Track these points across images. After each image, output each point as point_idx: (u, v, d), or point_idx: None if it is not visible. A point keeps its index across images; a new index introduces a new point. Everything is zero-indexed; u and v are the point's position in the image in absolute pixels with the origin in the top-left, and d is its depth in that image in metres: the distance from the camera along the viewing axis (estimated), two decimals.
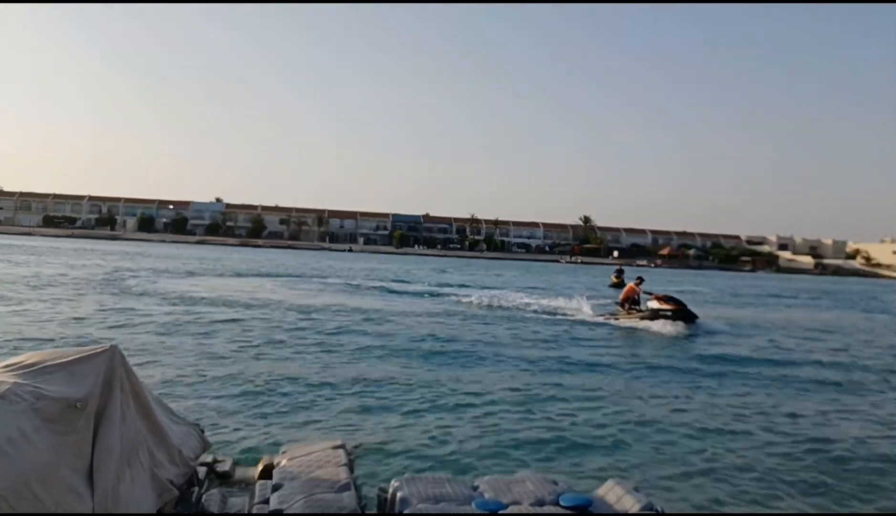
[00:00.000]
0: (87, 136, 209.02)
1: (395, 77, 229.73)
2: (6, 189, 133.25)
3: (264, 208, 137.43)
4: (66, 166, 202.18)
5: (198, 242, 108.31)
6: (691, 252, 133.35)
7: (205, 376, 12.31)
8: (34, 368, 3.93)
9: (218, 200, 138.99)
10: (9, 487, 3.27)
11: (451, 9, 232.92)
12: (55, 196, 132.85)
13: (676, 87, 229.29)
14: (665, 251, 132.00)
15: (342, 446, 5.48)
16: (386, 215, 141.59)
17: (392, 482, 4.70)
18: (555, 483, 4.73)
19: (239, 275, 43.25)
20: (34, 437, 3.50)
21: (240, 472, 5.72)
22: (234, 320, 20.39)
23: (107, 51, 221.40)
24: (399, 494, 4.42)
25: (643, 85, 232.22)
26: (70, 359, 4.04)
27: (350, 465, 5.10)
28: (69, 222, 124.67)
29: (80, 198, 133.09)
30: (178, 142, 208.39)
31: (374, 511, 4.79)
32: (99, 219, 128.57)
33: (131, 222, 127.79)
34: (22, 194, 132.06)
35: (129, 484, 3.92)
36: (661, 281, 48.78)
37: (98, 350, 4.15)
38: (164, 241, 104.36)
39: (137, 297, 25.84)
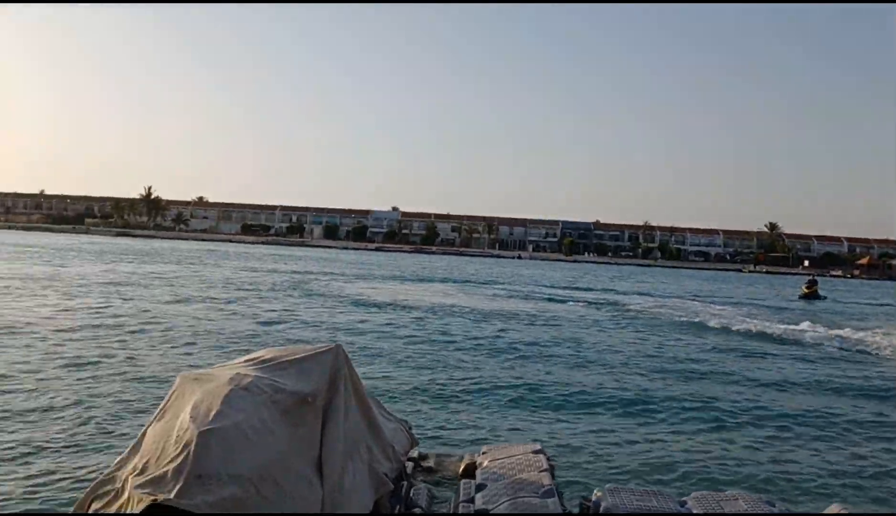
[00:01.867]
0: (277, 152, 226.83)
1: (570, 86, 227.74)
2: (211, 200, 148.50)
3: (437, 216, 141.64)
4: (259, 180, 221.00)
5: (376, 249, 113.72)
6: (895, 262, 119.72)
7: (398, 374, 12.86)
8: (270, 363, 4.21)
9: (395, 209, 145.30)
10: (255, 472, 3.51)
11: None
12: (252, 206, 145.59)
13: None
14: (864, 261, 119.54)
15: (542, 451, 5.52)
16: (555, 222, 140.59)
17: (595, 491, 4.72)
18: (770, 504, 4.49)
19: (420, 279, 44.90)
20: (273, 427, 3.75)
21: (443, 469, 5.92)
22: (415, 321, 21.26)
23: (288, 77, 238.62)
24: (603, 504, 4.40)
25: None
26: (300, 355, 4.29)
27: (551, 471, 5.12)
28: (264, 230, 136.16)
29: (274, 208, 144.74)
30: (356, 156, 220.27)
31: None
32: (289, 227, 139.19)
33: (317, 230, 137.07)
34: (223, 205, 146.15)
35: (352, 476, 4.09)
36: (862, 293, 44.07)
37: (324, 348, 4.41)
38: (346, 248, 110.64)
39: (325, 298, 27.69)
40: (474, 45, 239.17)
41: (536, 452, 5.47)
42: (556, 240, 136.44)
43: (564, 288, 44.21)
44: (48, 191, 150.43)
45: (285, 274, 42.46)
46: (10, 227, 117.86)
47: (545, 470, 5.02)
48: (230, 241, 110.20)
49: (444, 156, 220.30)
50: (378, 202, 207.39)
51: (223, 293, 27.38)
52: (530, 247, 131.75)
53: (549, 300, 33.92)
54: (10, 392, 9.92)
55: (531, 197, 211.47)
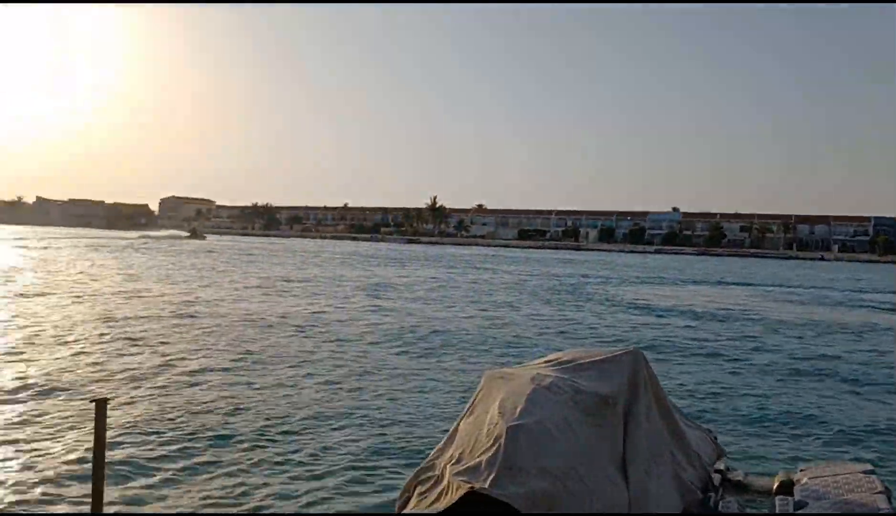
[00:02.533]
0: (547, 157, 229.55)
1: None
2: (489, 207, 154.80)
3: (723, 215, 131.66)
4: (534, 185, 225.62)
5: (655, 251, 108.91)
6: None
7: (698, 385, 11.28)
8: (570, 365, 4.32)
9: (675, 210, 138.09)
10: (561, 467, 3.61)
11: None
12: (528, 212, 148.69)
13: None
14: None
15: (873, 471, 5.07)
16: (866, 219, 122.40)
17: None
18: None
19: (721, 283, 41.37)
20: (575, 426, 3.83)
21: (755, 484, 5.59)
22: (718, 330, 18.85)
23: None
24: None
25: None
26: (599, 358, 4.37)
27: (888, 494, 4.61)
28: (539, 235, 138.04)
29: (549, 212, 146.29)
30: (629, 156, 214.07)
31: None
32: (564, 231, 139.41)
33: (593, 233, 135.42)
34: (501, 211, 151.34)
35: (657, 481, 4.01)
36: None
37: (622, 351, 4.43)
38: (622, 251, 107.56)
39: (608, 303, 26.19)
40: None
41: (867, 473, 4.97)
42: (867, 238, 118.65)
43: None
44: (350, 204, 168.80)
45: (561, 278, 41.69)
46: (322, 237, 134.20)
47: (880, 493, 4.54)
48: (507, 247, 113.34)
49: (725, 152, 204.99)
50: (655, 203, 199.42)
51: (513, 297, 27.30)
52: (836, 247, 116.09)
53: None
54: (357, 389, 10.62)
55: (836, 191, 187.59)
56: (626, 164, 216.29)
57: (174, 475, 6.92)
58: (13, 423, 8.49)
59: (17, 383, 10.61)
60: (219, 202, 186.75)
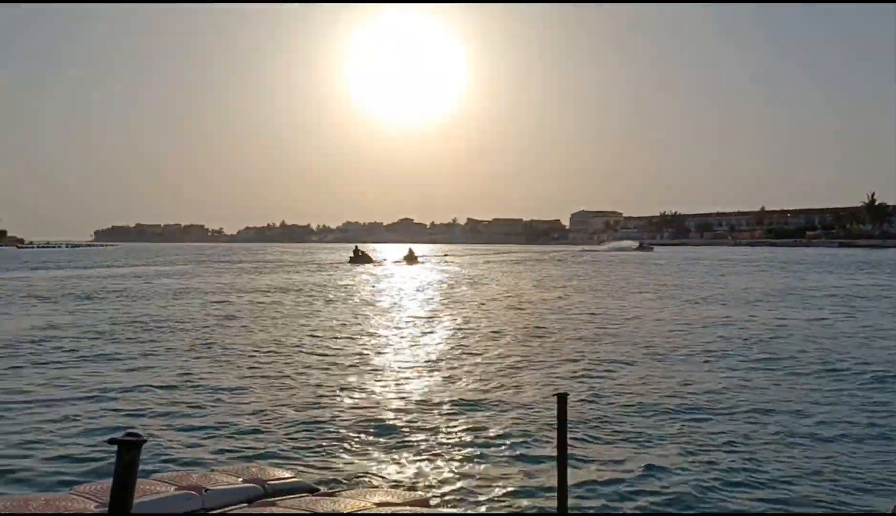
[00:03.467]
0: None
1: None
2: None
3: None
4: None
5: None
6: None
7: None
8: None
9: None
10: None
11: None
12: None
13: None
14: None
15: None
16: None
17: None
18: None
19: None
20: None
21: None
22: None
23: None
24: None
25: None
26: None
27: None
28: None
29: None
30: None
31: None
32: None
33: None
34: None
35: None
36: None
37: None
38: None
39: None
40: None
41: None
42: None
43: None
44: (767, 208, 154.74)
45: None
46: (736, 244, 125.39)
47: None
48: None
49: None
50: None
51: None
52: None
53: None
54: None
55: None
56: None
57: (634, 474, 6.34)
58: (484, 414, 8.45)
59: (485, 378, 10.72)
60: (626, 214, 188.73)
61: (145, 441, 1.48)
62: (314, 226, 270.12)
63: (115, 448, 1.45)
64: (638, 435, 7.46)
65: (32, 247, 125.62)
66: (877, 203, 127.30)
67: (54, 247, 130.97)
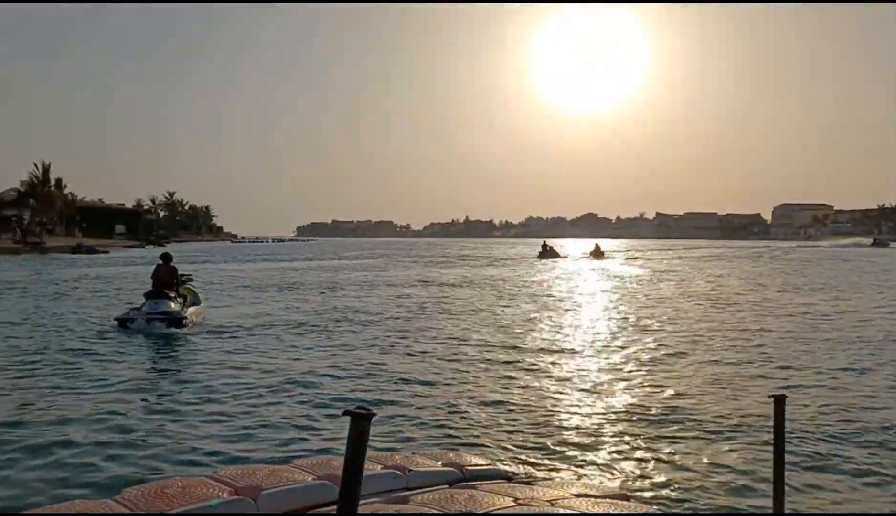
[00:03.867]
0: None
1: None
2: None
3: None
4: None
5: None
6: None
7: None
8: None
9: None
10: None
11: None
12: None
13: None
14: None
15: None
16: None
17: None
18: None
19: None
20: None
21: None
22: None
23: None
24: None
25: None
26: None
27: None
28: None
29: None
30: None
31: None
32: None
33: None
34: None
35: None
36: None
37: None
38: None
39: None
40: None
41: None
42: None
43: None
44: None
45: None
46: None
47: None
48: None
49: None
50: None
51: None
52: None
53: None
54: None
55: None
56: None
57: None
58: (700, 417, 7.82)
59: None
60: (837, 206, 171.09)
61: (374, 415, 1.52)
62: (496, 222, 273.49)
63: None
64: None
65: (244, 242, 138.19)
66: None
67: (262, 241, 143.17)
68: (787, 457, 5.83)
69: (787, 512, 3.33)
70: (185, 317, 13.84)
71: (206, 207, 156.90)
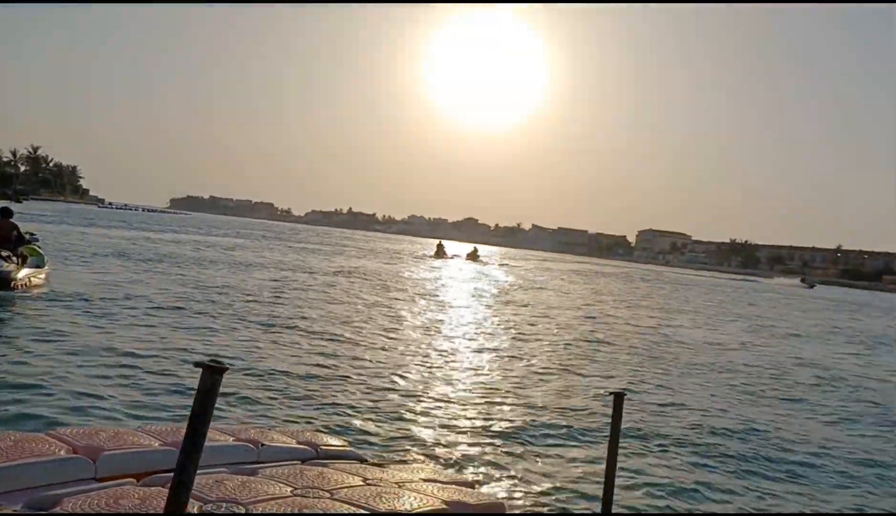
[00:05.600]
0: None
1: None
2: None
3: None
4: None
5: None
6: None
7: None
8: None
9: None
10: None
11: None
12: None
13: None
14: None
15: None
16: None
17: None
18: None
19: None
20: None
21: None
22: None
23: None
24: None
25: None
26: None
27: None
28: None
29: None
30: None
31: None
32: None
33: None
34: None
35: None
36: None
37: None
38: None
39: None
40: None
41: None
42: None
43: None
44: (845, 247, 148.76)
45: None
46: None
47: None
48: None
49: None
50: None
51: None
52: None
53: None
54: None
55: None
56: None
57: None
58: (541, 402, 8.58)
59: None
60: (695, 237, 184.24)
61: (227, 369, 1.48)
62: (380, 216, 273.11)
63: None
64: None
65: (111, 207, 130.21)
66: None
67: (132, 209, 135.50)
68: (628, 452, 6.59)
69: (615, 512, 3.49)
70: (14, 278, 12.82)
71: (74, 167, 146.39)
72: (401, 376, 9.82)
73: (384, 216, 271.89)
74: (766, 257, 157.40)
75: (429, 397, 8.78)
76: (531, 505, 5.67)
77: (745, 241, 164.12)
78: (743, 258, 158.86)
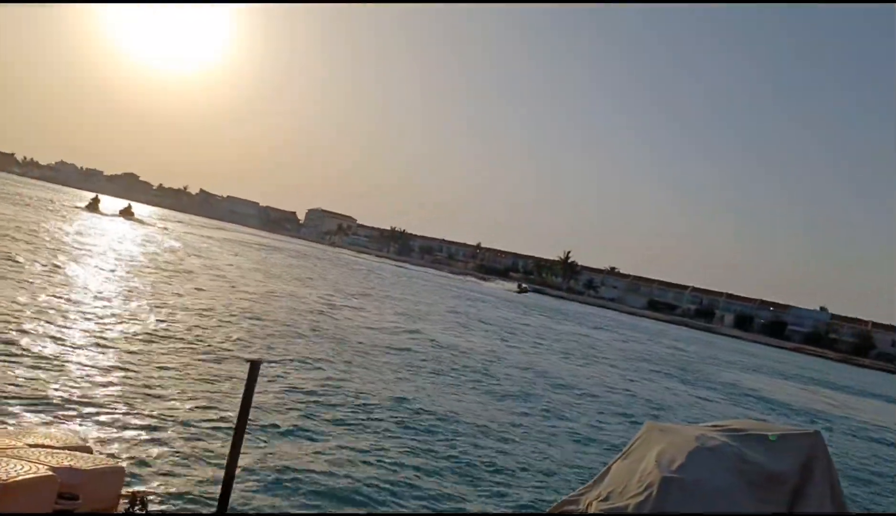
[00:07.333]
0: (688, 236, 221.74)
1: None
2: (622, 271, 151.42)
3: (875, 325, 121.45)
4: (671, 257, 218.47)
5: (793, 349, 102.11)
6: None
7: None
8: (739, 433, 4.15)
9: (822, 309, 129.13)
10: None
11: None
12: (662, 283, 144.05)
13: None
14: None
15: None
16: None
17: None
18: None
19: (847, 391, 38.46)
20: (737, 496, 3.69)
21: None
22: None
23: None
24: None
25: None
26: (774, 432, 4.16)
27: None
28: (669, 309, 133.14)
29: (684, 287, 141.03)
30: (770, 246, 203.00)
31: None
32: (698, 310, 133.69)
33: (729, 318, 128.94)
34: (634, 278, 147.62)
35: None
36: None
37: (800, 431, 4.20)
38: (756, 342, 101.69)
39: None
40: None
41: None
42: None
43: None
44: (484, 244, 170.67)
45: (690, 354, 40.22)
46: (451, 273, 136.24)
47: None
48: (634, 315, 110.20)
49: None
50: (800, 298, 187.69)
51: (639, 365, 26.71)
52: None
53: None
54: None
55: None
56: (776, 253, 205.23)
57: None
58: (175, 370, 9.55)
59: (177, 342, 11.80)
60: (360, 221, 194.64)
61: None
62: (19, 158, 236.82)
63: None
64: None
65: None
66: (570, 260, 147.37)
67: None
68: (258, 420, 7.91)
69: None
70: None
71: None
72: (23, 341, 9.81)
73: (26, 158, 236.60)
74: (419, 247, 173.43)
75: (48, 363, 8.80)
76: (152, 471, 6.00)
77: (403, 231, 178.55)
78: (399, 246, 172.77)
